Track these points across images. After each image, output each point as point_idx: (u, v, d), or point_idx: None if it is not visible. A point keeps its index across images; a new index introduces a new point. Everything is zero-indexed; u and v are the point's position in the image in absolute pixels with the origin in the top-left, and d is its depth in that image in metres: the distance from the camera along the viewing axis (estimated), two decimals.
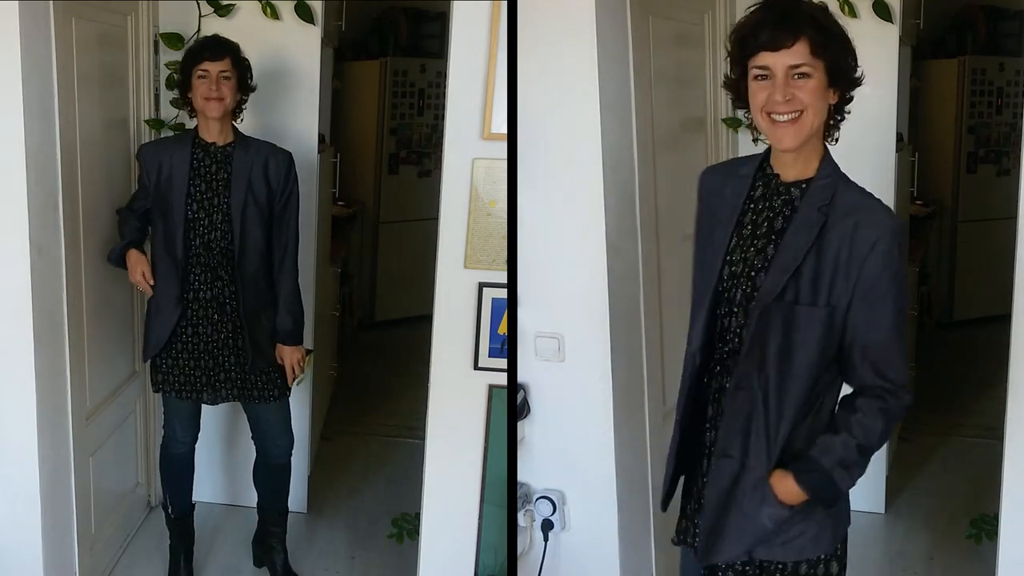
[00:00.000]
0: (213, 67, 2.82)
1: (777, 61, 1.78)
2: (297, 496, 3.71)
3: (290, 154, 2.97)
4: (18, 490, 2.73)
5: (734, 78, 1.89)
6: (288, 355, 3.01)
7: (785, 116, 1.79)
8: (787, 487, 1.85)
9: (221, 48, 2.87)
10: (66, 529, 2.93)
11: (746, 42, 1.81)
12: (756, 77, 1.82)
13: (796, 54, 1.77)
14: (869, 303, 1.79)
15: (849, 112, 1.89)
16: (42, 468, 2.73)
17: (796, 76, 1.78)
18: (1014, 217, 2.73)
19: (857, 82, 1.86)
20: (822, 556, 1.94)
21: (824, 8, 1.85)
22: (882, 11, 3.27)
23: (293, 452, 3.17)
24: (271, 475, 3.18)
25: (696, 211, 2.04)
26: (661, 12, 2.90)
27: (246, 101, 2.97)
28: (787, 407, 1.84)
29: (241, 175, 2.87)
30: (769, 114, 1.81)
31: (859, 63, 1.86)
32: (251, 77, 2.97)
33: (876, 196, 1.86)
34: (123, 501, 3.42)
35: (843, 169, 1.90)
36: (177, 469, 3.17)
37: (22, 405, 2.67)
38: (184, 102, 2.95)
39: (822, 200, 1.82)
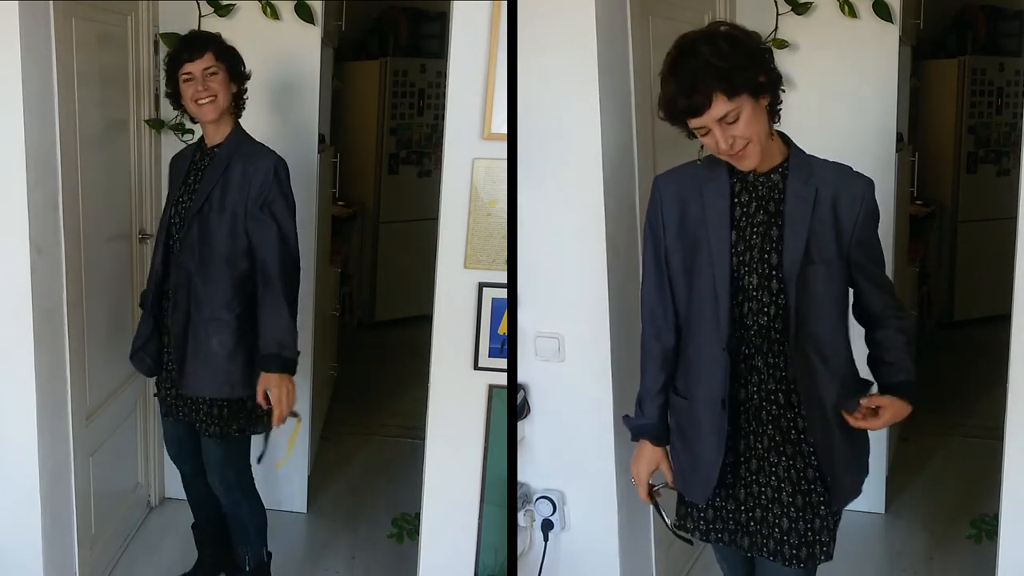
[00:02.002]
0: (195, 67, 2.62)
1: (705, 120, 1.92)
2: (297, 496, 3.71)
3: (271, 163, 2.65)
4: (18, 490, 2.73)
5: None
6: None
7: (736, 151, 1.96)
8: (902, 408, 2.08)
9: (200, 44, 2.67)
10: (66, 529, 2.93)
11: (673, 114, 1.96)
12: (696, 132, 1.96)
13: (718, 109, 1.90)
14: (867, 245, 2.08)
15: (782, 105, 2.03)
16: (42, 468, 2.73)
17: (728, 123, 1.92)
18: (1014, 217, 2.73)
19: (779, 79, 2.00)
20: None
21: (726, 35, 1.95)
22: (882, 11, 3.27)
23: (287, 460, 3.08)
24: (236, 530, 2.95)
25: (654, 217, 2.14)
26: (661, 12, 2.89)
27: (245, 92, 2.75)
28: (839, 346, 2.10)
29: (211, 178, 2.65)
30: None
31: (776, 64, 2.02)
32: (243, 65, 2.74)
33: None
34: (123, 501, 3.42)
35: None
36: (185, 483, 3.08)
37: (22, 405, 2.67)
38: (180, 108, 2.78)
39: (806, 175, 2.03)
